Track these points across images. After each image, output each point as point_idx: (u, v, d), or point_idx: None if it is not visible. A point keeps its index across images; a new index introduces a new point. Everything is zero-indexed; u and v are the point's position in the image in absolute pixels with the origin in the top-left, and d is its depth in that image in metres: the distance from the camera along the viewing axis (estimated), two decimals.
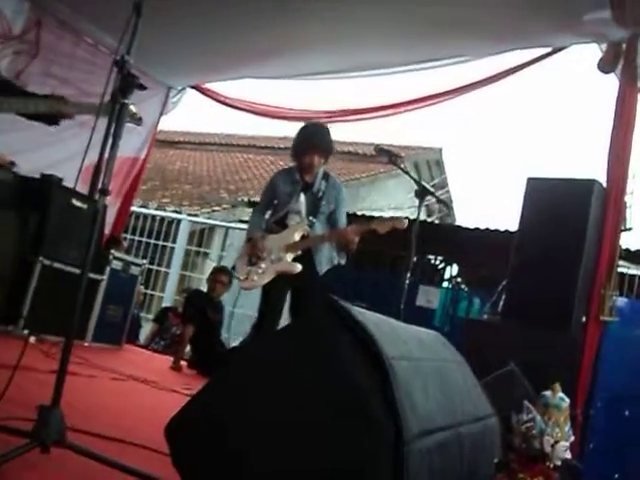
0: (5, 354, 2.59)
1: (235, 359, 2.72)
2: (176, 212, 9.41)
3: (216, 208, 10.38)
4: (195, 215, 9.49)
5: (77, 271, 2.03)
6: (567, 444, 1.88)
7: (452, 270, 8.91)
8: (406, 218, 3.67)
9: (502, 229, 6.84)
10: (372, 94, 6.11)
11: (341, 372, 1.57)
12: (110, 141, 1.99)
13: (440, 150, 15.22)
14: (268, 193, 4.09)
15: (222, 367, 2.69)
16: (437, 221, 12.23)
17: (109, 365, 4.20)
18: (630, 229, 4.05)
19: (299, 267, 3.76)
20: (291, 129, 4.06)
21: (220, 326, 6.21)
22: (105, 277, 5.26)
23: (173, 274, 8.58)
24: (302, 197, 3.91)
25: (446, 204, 12.89)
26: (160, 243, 8.68)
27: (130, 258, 5.91)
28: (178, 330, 6.80)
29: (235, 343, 6.47)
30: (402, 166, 3.84)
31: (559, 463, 1.86)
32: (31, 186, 4.51)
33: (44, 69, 5.45)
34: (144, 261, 6.15)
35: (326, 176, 3.99)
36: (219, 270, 6.32)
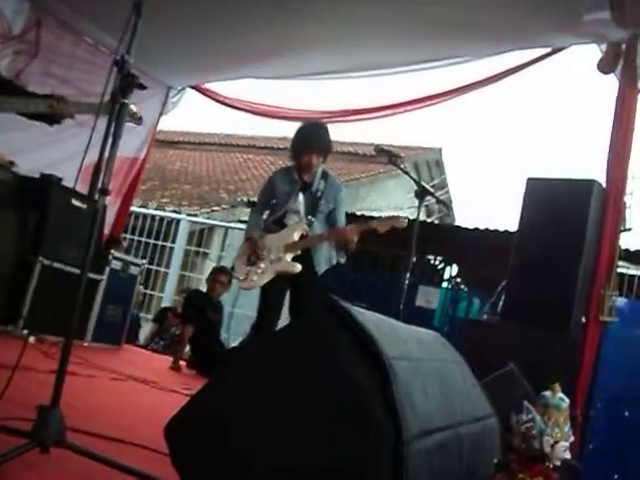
0: (5, 354, 2.59)
1: (234, 359, 2.72)
2: (175, 212, 9.41)
3: (215, 208, 10.38)
4: (194, 215, 9.49)
5: (77, 271, 2.03)
6: (567, 444, 1.88)
7: (452, 270, 8.91)
8: (405, 218, 3.67)
9: (502, 229, 6.84)
10: (372, 94, 6.12)
11: (340, 372, 1.57)
12: (110, 141, 1.99)
13: (440, 150, 15.23)
14: (266, 192, 4.08)
15: (221, 367, 2.69)
16: (437, 221, 12.24)
17: (108, 365, 4.20)
18: (629, 229, 4.04)
19: (299, 267, 3.75)
20: (291, 129, 4.06)
21: (219, 326, 6.22)
22: (104, 277, 5.25)
23: (172, 274, 8.58)
24: (301, 196, 3.90)
25: (446, 204, 12.90)
26: (159, 243, 8.68)
27: (129, 258, 5.91)
28: (177, 330, 6.80)
29: (234, 343, 6.47)
30: (402, 166, 3.83)
31: (559, 463, 1.86)
32: (31, 186, 4.50)
33: (44, 69, 5.45)
34: (143, 261, 6.14)
35: (325, 175, 3.98)
36: (218, 270, 6.32)
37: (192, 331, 5.84)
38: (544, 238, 3.80)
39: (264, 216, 4.05)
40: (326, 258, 3.89)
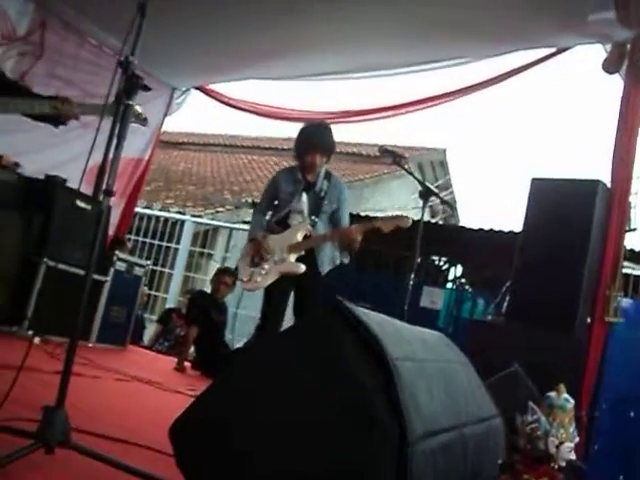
0: (10, 355, 2.60)
1: (239, 360, 2.72)
2: (180, 213, 9.42)
3: (220, 209, 10.38)
4: (199, 216, 9.49)
5: (81, 272, 2.04)
6: (572, 445, 1.87)
7: (456, 271, 8.89)
8: (409, 218, 3.67)
9: (506, 230, 6.83)
10: (375, 95, 6.12)
11: (345, 372, 1.57)
12: (114, 142, 2.00)
13: (444, 151, 15.22)
14: (270, 191, 4.06)
15: (226, 368, 2.68)
16: (441, 222, 12.22)
17: (113, 366, 4.20)
18: (635, 230, 4.02)
19: (303, 268, 3.74)
20: (295, 130, 4.05)
21: (224, 327, 6.22)
22: (109, 278, 5.26)
23: (177, 275, 8.58)
24: (304, 196, 3.89)
25: (450, 205, 12.86)
26: (164, 244, 8.69)
27: (134, 259, 5.92)
28: (182, 331, 6.81)
29: (239, 344, 6.47)
30: (406, 167, 3.83)
31: (564, 464, 1.85)
32: (35, 187, 4.52)
33: (48, 70, 5.46)
34: (148, 262, 6.16)
35: (328, 175, 3.97)
36: (223, 271, 6.32)
37: (196, 332, 5.84)
38: (549, 238, 3.79)
39: (267, 216, 4.04)
40: (330, 258, 3.88)
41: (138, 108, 2.23)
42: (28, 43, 5.28)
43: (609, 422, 4.01)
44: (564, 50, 4.62)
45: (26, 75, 5.17)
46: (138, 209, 7.75)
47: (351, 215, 4.12)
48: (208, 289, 6.55)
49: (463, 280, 8.82)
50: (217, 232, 9.52)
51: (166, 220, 8.84)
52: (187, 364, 5.70)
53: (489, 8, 4.13)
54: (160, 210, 9.43)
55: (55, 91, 3.27)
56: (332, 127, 4.10)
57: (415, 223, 3.63)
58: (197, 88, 6.79)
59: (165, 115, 6.81)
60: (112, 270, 5.31)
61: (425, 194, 3.59)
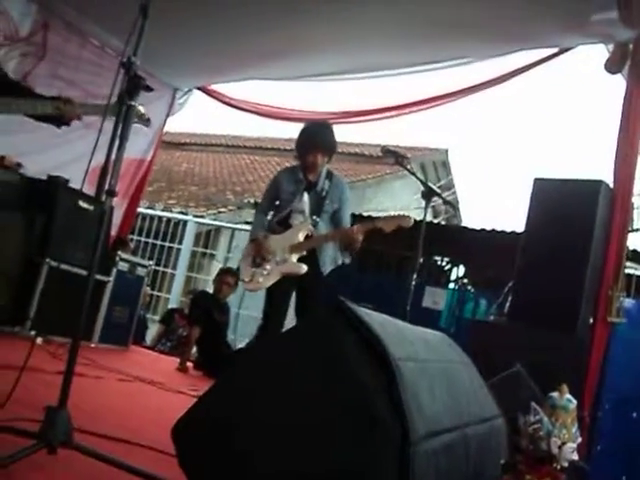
0: (12, 355, 2.61)
1: (241, 361, 2.72)
2: (182, 213, 9.43)
3: (222, 209, 10.38)
4: (201, 216, 9.50)
5: (84, 272, 2.03)
6: (574, 446, 1.87)
7: (458, 271, 8.89)
8: (411, 217, 3.66)
9: (508, 230, 6.83)
10: (376, 95, 6.12)
11: (347, 372, 1.57)
12: (117, 142, 2.00)
13: (446, 151, 15.22)
14: (272, 191, 4.05)
15: (228, 369, 2.69)
16: (443, 222, 12.22)
17: (116, 366, 4.21)
18: (637, 230, 4.03)
19: (305, 268, 3.73)
20: (297, 131, 4.05)
21: (226, 327, 6.22)
22: (111, 278, 5.27)
23: (179, 275, 8.59)
24: (306, 196, 3.89)
25: (452, 205, 12.87)
26: (166, 244, 8.70)
27: (136, 259, 5.92)
28: (184, 331, 6.81)
29: (241, 345, 6.47)
30: (408, 167, 3.83)
31: (566, 465, 1.85)
32: (38, 188, 4.52)
33: (51, 71, 5.47)
34: (150, 262, 6.16)
35: (330, 175, 3.97)
36: (225, 271, 6.33)
37: (199, 332, 5.84)
38: (551, 239, 3.79)
39: (268, 216, 4.03)
40: (331, 258, 3.88)
41: (140, 109, 2.24)
42: (30, 44, 5.29)
43: (612, 422, 4.00)
44: (567, 50, 4.61)
45: (28, 76, 5.18)
46: (140, 209, 7.75)
47: (353, 215, 4.12)
48: (210, 289, 6.56)
49: (465, 280, 8.82)
50: (219, 232, 9.53)
51: (168, 220, 8.85)
52: (189, 364, 5.70)
53: (491, 8, 4.12)
54: (162, 210, 9.45)
55: (57, 92, 3.28)
56: (335, 127, 4.11)
57: (417, 223, 3.63)
58: (199, 88, 6.79)
59: (167, 115, 6.81)
60: (114, 270, 5.31)
61: (427, 194, 3.58)
